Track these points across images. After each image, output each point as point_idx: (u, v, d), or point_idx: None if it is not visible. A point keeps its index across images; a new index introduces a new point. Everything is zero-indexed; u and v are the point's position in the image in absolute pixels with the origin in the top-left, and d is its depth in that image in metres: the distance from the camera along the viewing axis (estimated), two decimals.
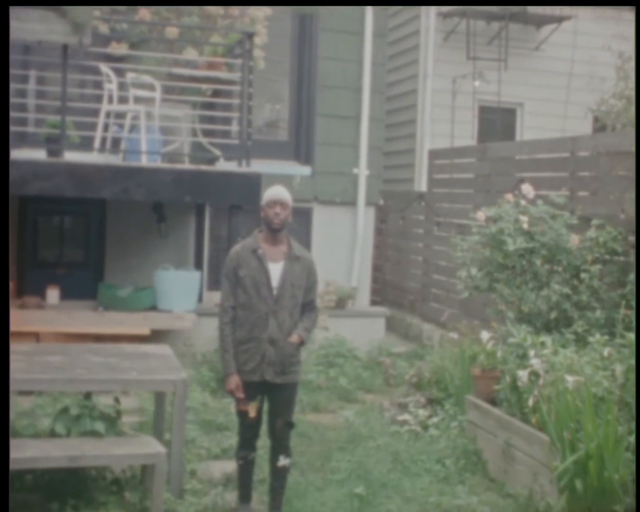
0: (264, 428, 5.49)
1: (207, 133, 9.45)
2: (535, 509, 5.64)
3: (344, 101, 10.96)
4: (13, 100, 7.42)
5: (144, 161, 8.65)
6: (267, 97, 11.14)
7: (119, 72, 8.85)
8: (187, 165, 8.94)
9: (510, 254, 7.25)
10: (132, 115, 8.91)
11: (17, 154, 8.09)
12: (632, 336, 5.84)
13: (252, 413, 5.31)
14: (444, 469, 6.41)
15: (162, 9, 9.33)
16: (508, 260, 7.31)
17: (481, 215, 7.63)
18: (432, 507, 5.76)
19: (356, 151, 11.04)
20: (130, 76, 8.83)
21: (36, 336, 8.48)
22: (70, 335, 8.50)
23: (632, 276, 6.82)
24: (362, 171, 11.05)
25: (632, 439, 5.29)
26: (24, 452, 5.14)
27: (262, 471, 5.87)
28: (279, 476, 5.46)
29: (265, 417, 5.45)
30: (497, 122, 13.43)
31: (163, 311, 9.20)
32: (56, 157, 8.24)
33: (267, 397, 5.40)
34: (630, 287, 6.81)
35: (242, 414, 5.37)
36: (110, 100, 8.82)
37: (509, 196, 7.72)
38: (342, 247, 11.04)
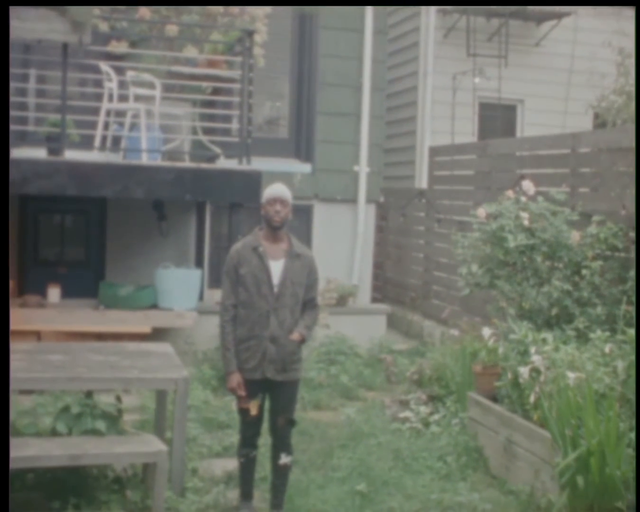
0: (265, 426, 5.49)
1: (208, 131, 9.45)
2: (536, 505, 5.65)
3: (344, 98, 10.96)
4: (13, 99, 7.42)
5: (145, 159, 8.65)
6: (267, 94, 11.13)
7: (119, 71, 8.85)
8: (187, 164, 8.94)
9: (511, 251, 7.24)
10: (132, 114, 8.91)
11: (18, 152, 8.10)
12: (633, 332, 5.84)
13: (253, 411, 5.31)
14: (445, 466, 6.40)
15: (162, 8, 9.33)
16: (509, 257, 7.30)
17: (482, 212, 7.63)
18: (433, 505, 5.75)
19: (357, 148, 11.04)
20: (130, 74, 8.83)
21: (37, 335, 8.49)
22: (71, 333, 8.51)
23: (632, 272, 6.82)
24: (363, 168, 11.05)
25: (634, 435, 5.28)
26: (26, 451, 5.14)
27: (263, 468, 5.87)
28: (280, 474, 5.46)
29: (266, 415, 5.45)
30: (497, 118, 13.41)
31: (164, 309, 9.20)
32: (56, 156, 8.24)
33: (269, 395, 5.40)
34: (631, 284, 6.80)
35: (243, 412, 5.38)
36: (111, 99, 8.82)
37: (510, 193, 7.72)
38: (342, 245, 11.05)
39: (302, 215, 10.68)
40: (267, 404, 5.43)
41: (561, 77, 13.56)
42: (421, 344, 10.51)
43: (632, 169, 7.06)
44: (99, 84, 9.05)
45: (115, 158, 8.95)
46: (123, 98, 8.87)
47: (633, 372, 5.57)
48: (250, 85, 8.74)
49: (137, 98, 8.83)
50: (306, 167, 10.73)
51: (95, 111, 8.84)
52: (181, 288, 9.24)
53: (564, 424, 5.44)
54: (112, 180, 8.25)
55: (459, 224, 10.14)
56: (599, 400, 5.47)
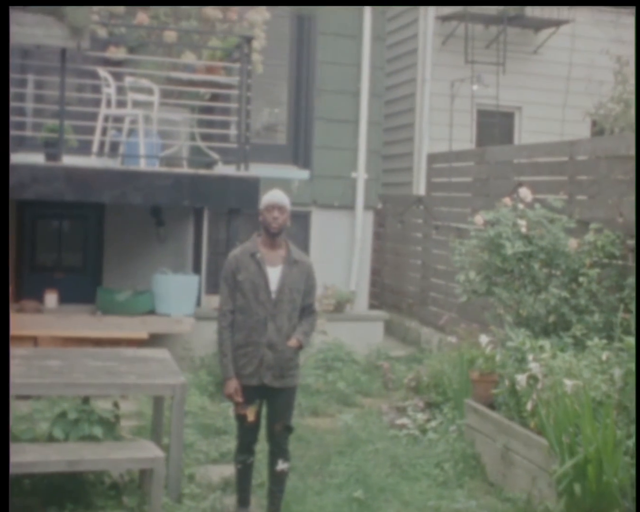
0: (262, 432, 5.48)
1: (206, 137, 9.45)
2: None
3: (342, 105, 10.97)
4: (11, 104, 7.41)
5: (143, 165, 8.65)
6: (265, 101, 11.14)
7: (117, 76, 8.85)
8: (185, 169, 8.95)
9: (509, 258, 7.25)
10: (130, 119, 8.91)
11: (16, 158, 8.08)
12: (630, 339, 5.84)
13: (250, 417, 5.31)
14: (442, 473, 6.40)
15: (161, 13, 9.34)
16: (506, 264, 7.30)
17: (479, 219, 7.63)
18: (430, 511, 5.75)
19: (355, 155, 11.04)
20: (128, 80, 8.83)
21: (34, 340, 8.48)
22: (68, 339, 8.49)
23: (630, 280, 6.82)
24: (361, 175, 11.06)
25: (631, 443, 5.28)
26: (23, 457, 5.14)
27: (260, 475, 5.87)
28: (277, 480, 5.45)
29: (263, 421, 5.44)
30: (495, 125, 13.44)
31: (161, 315, 9.19)
32: (54, 161, 8.24)
33: (266, 401, 5.39)
34: (629, 291, 6.81)
35: (240, 418, 5.37)
36: (109, 104, 8.82)
37: (507, 200, 7.73)
38: (340, 251, 11.04)
39: (300, 221, 10.68)
40: (264, 411, 5.43)
41: (559, 84, 13.59)
42: (418, 350, 10.51)
43: (630, 177, 7.07)
44: (97, 89, 9.05)
45: (113, 164, 8.96)
46: (121, 104, 8.87)
47: (630, 379, 5.57)
48: (249, 92, 8.75)
49: (135, 104, 8.83)
50: (304, 174, 10.73)
51: (94, 117, 8.85)
52: (179, 294, 9.23)
53: (561, 431, 5.44)
54: (110, 186, 8.25)
55: (456, 231, 10.14)
56: (596, 407, 5.46)
